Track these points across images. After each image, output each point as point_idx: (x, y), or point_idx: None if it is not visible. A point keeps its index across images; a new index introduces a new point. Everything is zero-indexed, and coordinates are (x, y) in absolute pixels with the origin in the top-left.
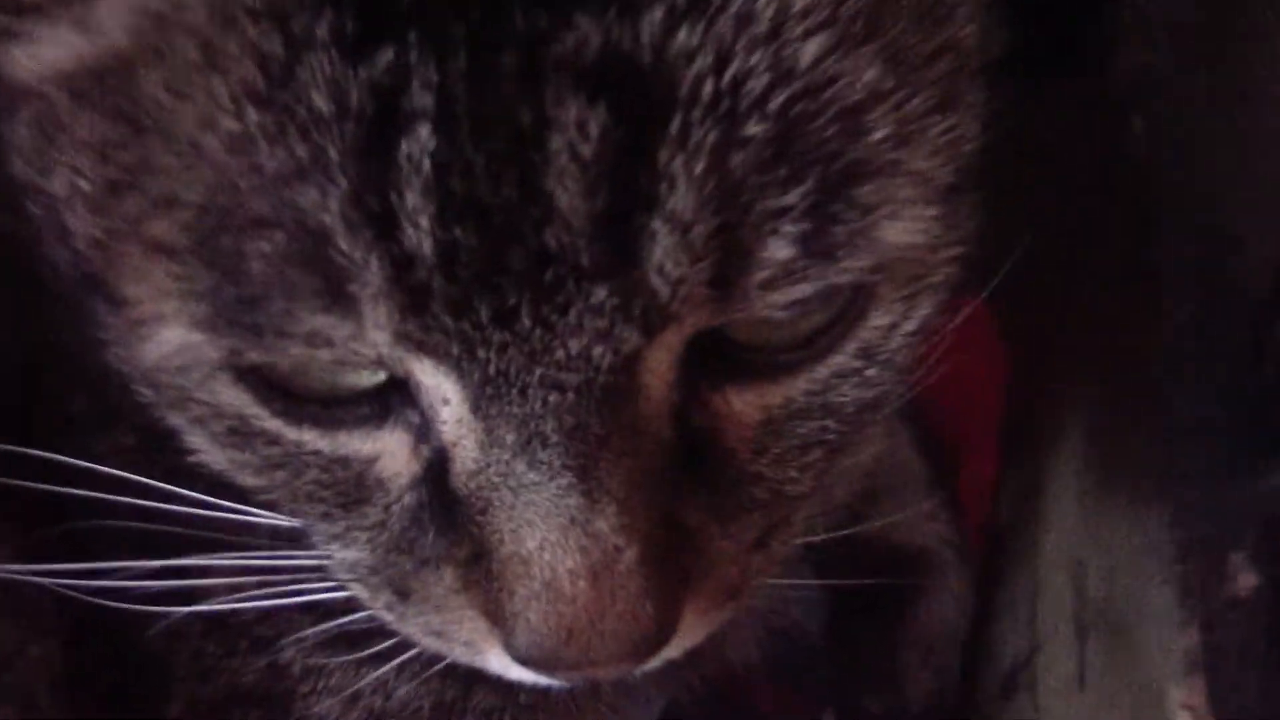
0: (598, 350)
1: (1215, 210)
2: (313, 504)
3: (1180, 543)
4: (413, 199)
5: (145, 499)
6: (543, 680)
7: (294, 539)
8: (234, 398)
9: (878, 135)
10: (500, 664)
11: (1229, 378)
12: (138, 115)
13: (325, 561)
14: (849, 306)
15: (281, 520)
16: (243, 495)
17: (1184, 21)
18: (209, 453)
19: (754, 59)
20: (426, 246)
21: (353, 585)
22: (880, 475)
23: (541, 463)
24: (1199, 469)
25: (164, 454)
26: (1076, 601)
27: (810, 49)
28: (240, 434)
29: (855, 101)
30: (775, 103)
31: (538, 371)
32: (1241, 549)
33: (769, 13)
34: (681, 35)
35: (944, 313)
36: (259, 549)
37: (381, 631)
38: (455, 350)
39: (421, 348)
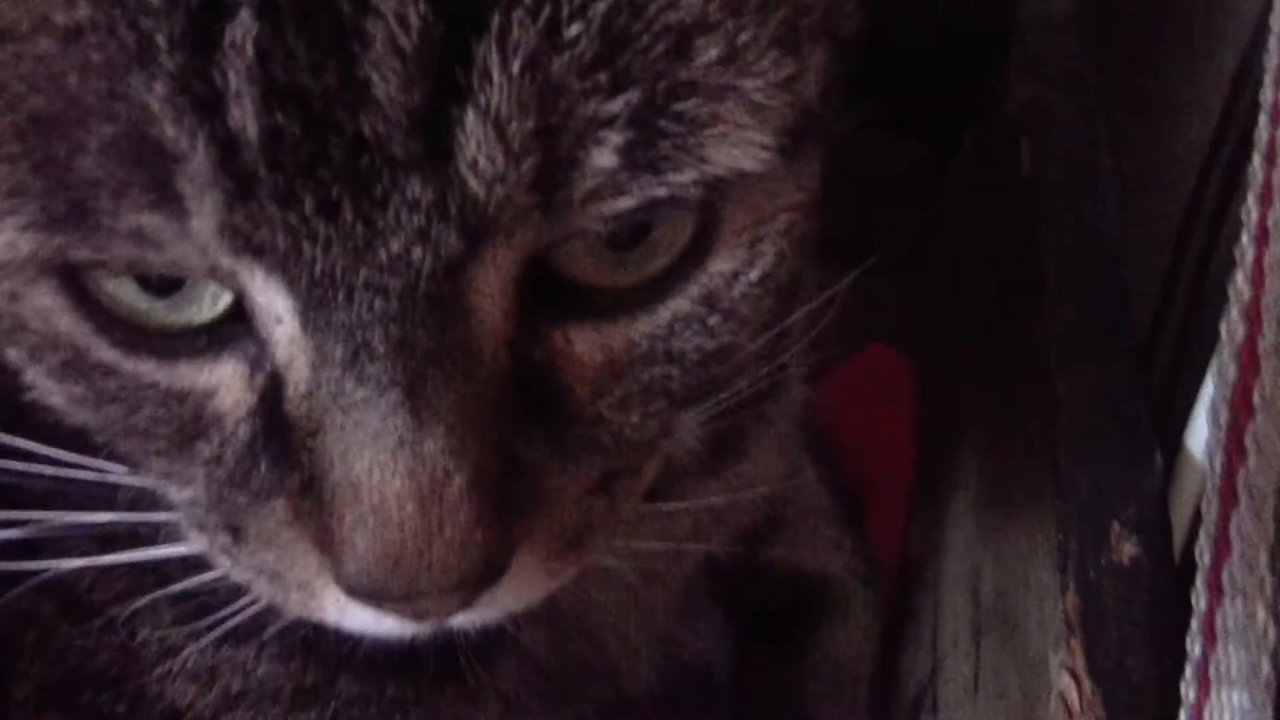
0: (417, 251)
1: (1099, 223)
2: (148, 440)
3: (1061, 515)
4: (236, 82)
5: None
6: (377, 624)
7: (153, 503)
8: (69, 325)
9: (706, 57)
10: (335, 608)
11: (1115, 372)
12: None
13: (173, 518)
14: (690, 250)
15: (130, 480)
16: (104, 454)
17: (1071, 58)
18: (46, 388)
19: None
20: (251, 130)
21: (191, 533)
22: (785, 505)
23: (369, 378)
24: (1082, 459)
25: (21, 420)
26: (973, 610)
27: None
28: (75, 366)
29: (681, 22)
30: (597, 11)
31: (362, 273)
32: (1122, 521)
33: None
34: None
35: (804, 291)
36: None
37: (235, 599)
38: (282, 244)
39: (249, 246)
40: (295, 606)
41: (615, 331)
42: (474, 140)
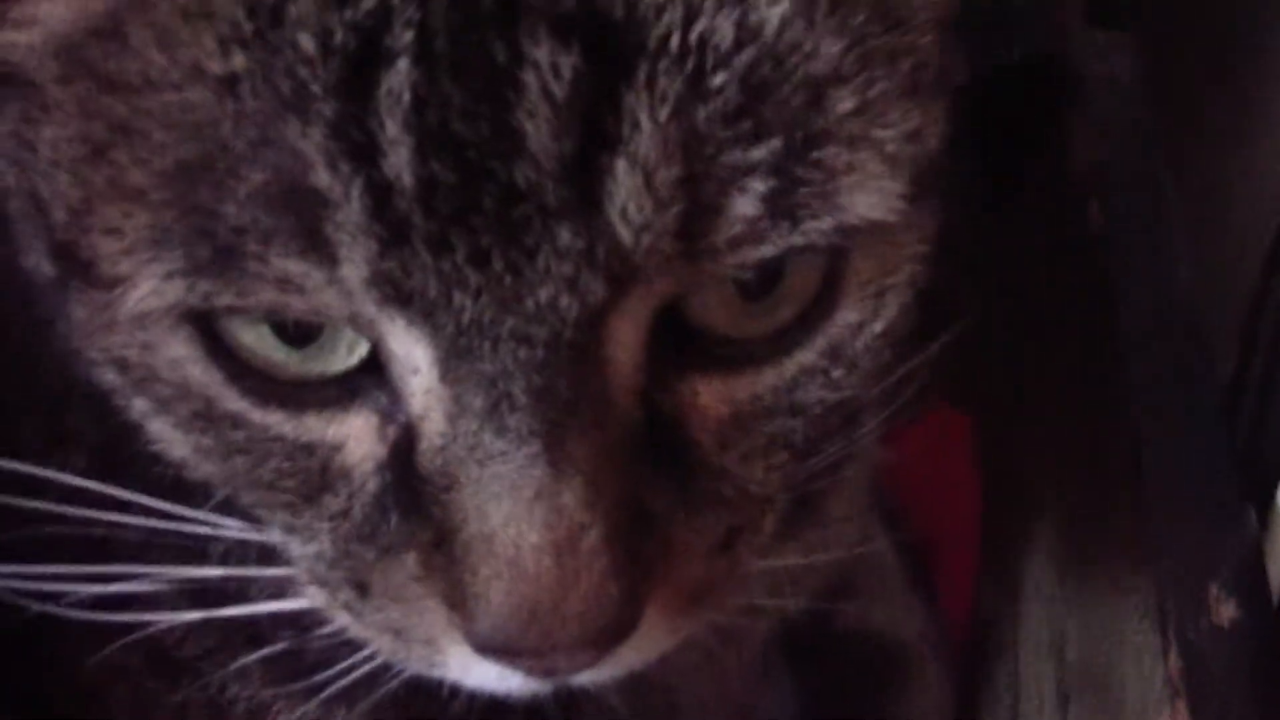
0: (565, 300)
1: (1174, 280)
2: (274, 493)
3: (1158, 578)
4: (393, 129)
5: (96, 513)
6: (502, 681)
7: (245, 557)
8: (202, 375)
9: (842, 108)
10: (460, 665)
11: (1202, 429)
12: (125, 73)
13: (275, 573)
14: (816, 301)
15: (231, 534)
16: (201, 499)
17: (1135, 117)
18: (171, 440)
19: (719, 19)
20: (406, 178)
21: (311, 589)
22: (857, 570)
23: (509, 429)
24: (1174, 519)
25: (115, 476)
26: (1058, 672)
27: (774, 16)
28: (205, 417)
29: (819, 74)
30: (740, 62)
31: (508, 322)
32: (1220, 581)
33: None
34: None
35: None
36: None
37: (329, 661)
38: (432, 292)
39: (396, 295)
40: (417, 663)
41: (741, 383)
42: (623, 188)
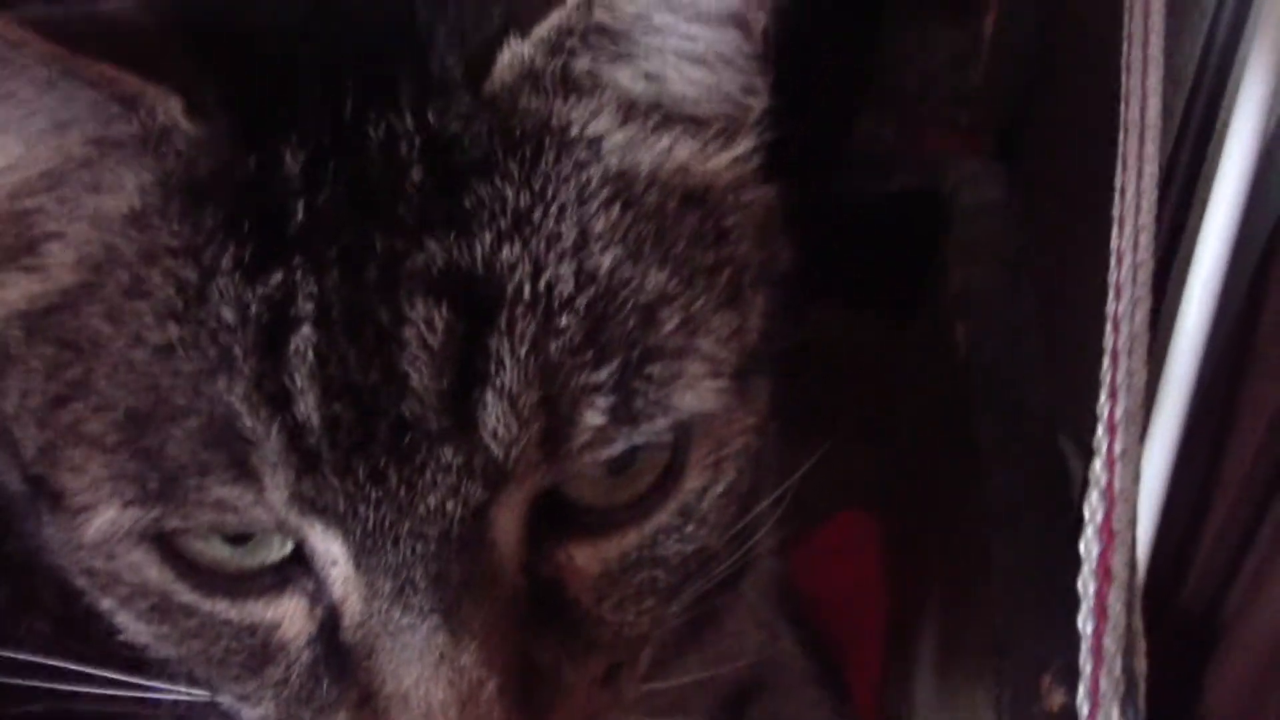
0: (450, 504)
1: (1025, 393)
2: (224, 668)
3: (999, 671)
4: (301, 381)
5: (61, 682)
6: None
7: (192, 714)
8: (158, 576)
9: (668, 327)
10: None
11: (1049, 535)
12: (79, 341)
13: None
14: (668, 473)
15: (184, 697)
16: (157, 671)
17: (999, 240)
18: (135, 629)
19: (561, 268)
20: (314, 419)
21: None
22: (764, 669)
23: (413, 607)
24: (1018, 617)
25: (77, 640)
26: None
27: (606, 261)
28: (162, 610)
29: (647, 301)
30: (582, 301)
31: (405, 524)
32: (1051, 673)
33: (573, 234)
34: (505, 251)
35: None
36: None
37: None
38: (341, 506)
39: (313, 508)
40: None
41: (610, 545)
42: (493, 414)
